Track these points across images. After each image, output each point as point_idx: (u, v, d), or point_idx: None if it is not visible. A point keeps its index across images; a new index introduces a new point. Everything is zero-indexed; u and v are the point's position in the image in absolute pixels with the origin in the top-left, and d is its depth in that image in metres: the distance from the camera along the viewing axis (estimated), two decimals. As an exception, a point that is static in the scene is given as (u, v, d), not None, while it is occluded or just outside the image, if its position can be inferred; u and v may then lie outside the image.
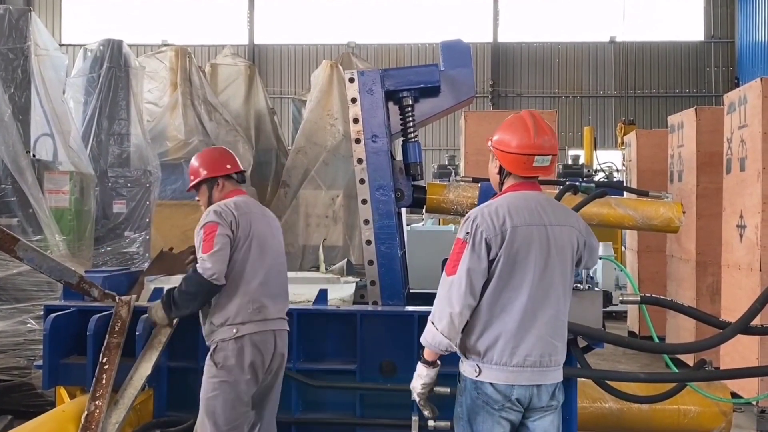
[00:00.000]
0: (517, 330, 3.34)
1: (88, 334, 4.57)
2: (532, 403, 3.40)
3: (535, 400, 3.39)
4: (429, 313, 4.75)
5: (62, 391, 4.82)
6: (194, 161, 4.69)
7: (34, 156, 7.36)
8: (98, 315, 4.67)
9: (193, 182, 4.63)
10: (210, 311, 4.24)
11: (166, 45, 17.49)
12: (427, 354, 3.45)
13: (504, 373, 3.35)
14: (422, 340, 3.44)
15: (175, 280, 5.81)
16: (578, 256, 3.54)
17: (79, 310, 4.87)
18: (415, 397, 3.54)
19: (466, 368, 3.44)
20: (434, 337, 3.36)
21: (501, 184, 3.59)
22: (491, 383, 3.36)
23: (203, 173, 4.56)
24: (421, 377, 3.50)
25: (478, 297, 3.35)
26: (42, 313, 5.04)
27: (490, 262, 3.34)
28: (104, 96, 8.52)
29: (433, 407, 3.59)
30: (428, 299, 5.34)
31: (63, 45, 23.52)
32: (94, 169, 8.11)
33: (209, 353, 4.21)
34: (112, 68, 8.59)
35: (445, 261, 5.60)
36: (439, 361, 3.48)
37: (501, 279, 3.34)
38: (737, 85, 20.54)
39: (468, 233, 3.36)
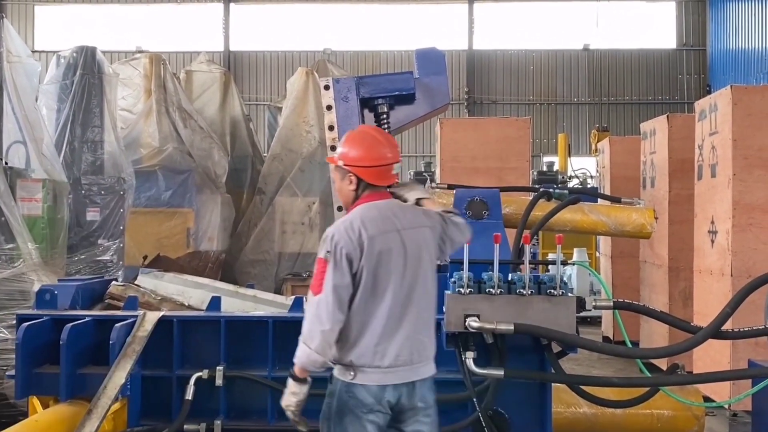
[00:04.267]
0: (386, 333, 3.47)
1: (61, 343, 4.53)
2: (402, 404, 3.50)
3: (405, 400, 3.50)
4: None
5: (35, 401, 4.77)
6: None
7: (6, 164, 7.29)
8: (71, 324, 4.63)
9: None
10: None
11: (140, 52, 17.40)
12: (300, 372, 3.51)
13: (377, 374, 3.47)
14: (296, 360, 3.50)
15: (169, 277, 5.79)
16: (438, 249, 3.71)
17: (52, 319, 4.82)
18: (290, 414, 3.55)
19: (340, 372, 3.53)
20: (308, 356, 3.44)
21: (356, 199, 3.65)
22: (364, 385, 3.46)
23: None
24: (295, 395, 3.53)
25: (346, 311, 3.45)
26: (14, 322, 4.98)
27: (354, 275, 3.45)
28: (77, 103, 8.46)
29: (305, 420, 3.60)
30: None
31: (36, 52, 23.28)
32: (67, 176, 8.05)
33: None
34: (86, 75, 8.54)
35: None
36: (309, 378, 3.55)
37: (366, 289, 3.46)
38: (709, 92, 20.82)
39: (329, 252, 3.45)
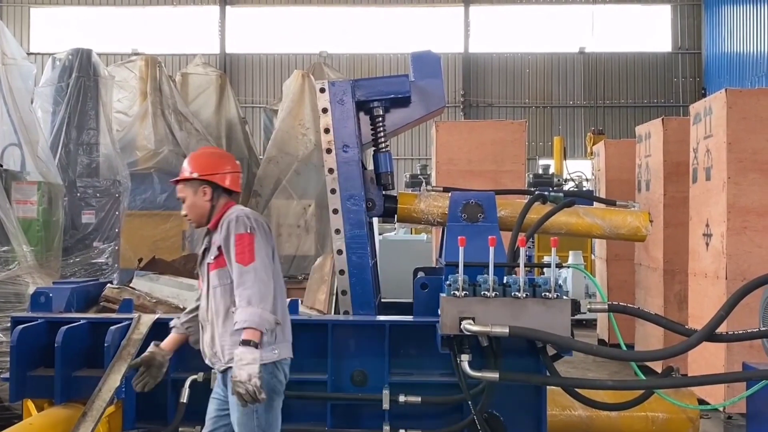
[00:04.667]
0: (286, 310, 3.93)
1: (56, 346, 4.52)
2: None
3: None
4: (401, 322, 4.82)
5: (29, 404, 4.75)
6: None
7: (1, 166, 7.28)
8: (66, 327, 4.62)
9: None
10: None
11: (136, 54, 17.38)
12: (254, 335, 3.57)
13: (288, 346, 3.89)
14: (248, 323, 3.56)
15: (164, 280, 5.77)
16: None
17: (47, 322, 4.81)
18: (255, 384, 3.50)
19: (266, 355, 3.67)
20: (261, 316, 3.58)
21: (212, 209, 3.94)
22: (284, 360, 3.81)
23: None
24: (256, 361, 3.54)
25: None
26: (9, 324, 4.97)
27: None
28: (73, 105, 8.45)
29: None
30: (400, 308, 5.40)
31: (31, 54, 23.26)
32: (62, 179, 8.03)
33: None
34: (81, 77, 8.52)
35: (417, 270, 5.68)
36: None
37: (274, 263, 3.83)
38: (704, 96, 20.87)
39: (251, 226, 3.74)
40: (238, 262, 3.67)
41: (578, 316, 4.14)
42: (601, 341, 10.66)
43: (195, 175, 3.93)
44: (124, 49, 24.18)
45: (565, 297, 3.99)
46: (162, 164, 10.24)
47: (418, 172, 18.30)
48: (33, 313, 4.97)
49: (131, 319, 4.83)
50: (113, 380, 4.36)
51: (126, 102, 10.73)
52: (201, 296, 3.98)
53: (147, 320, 4.73)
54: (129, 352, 4.50)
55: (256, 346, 3.55)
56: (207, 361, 3.91)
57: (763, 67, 21.23)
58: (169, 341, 4.14)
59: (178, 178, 4.02)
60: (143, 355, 4.07)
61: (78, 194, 8.39)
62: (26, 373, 4.65)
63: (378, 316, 5.02)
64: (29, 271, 6.97)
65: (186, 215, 4.04)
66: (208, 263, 3.88)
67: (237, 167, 4.06)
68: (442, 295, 4.06)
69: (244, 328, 3.56)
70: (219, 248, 3.81)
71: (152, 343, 4.14)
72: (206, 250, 3.94)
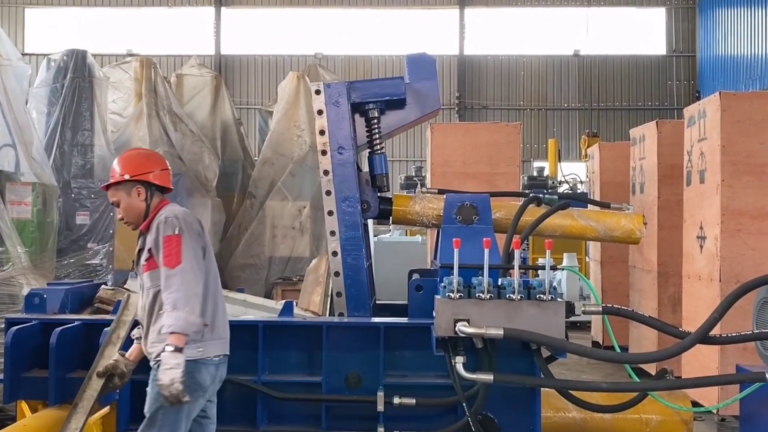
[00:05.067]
0: (222, 305, 3.95)
1: (50, 347, 4.51)
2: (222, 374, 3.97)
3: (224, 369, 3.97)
4: (396, 324, 4.83)
5: (23, 405, 4.75)
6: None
7: (-5, 167, 7.27)
8: (60, 328, 4.61)
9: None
10: None
11: (131, 55, 17.39)
12: (179, 340, 3.60)
13: (221, 343, 3.88)
14: (173, 328, 3.60)
15: None
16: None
17: (41, 323, 4.80)
18: (177, 388, 3.56)
19: (188, 352, 3.68)
20: (186, 320, 3.60)
21: (147, 209, 3.98)
22: (207, 362, 3.78)
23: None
24: (179, 366, 3.59)
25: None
26: (3, 326, 4.96)
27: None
28: (68, 106, 8.45)
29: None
30: (395, 310, 5.40)
31: (26, 54, 23.20)
32: (57, 180, 8.03)
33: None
34: (76, 78, 8.53)
35: (411, 272, 5.69)
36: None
37: (205, 261, 3.86)
38: (698, 99, 20.92)
39: (179, 228, 3.77)
40: (165, 265, 3.70)
41: (572, 319, 4.15)
42: (595, 343, 10.68)
43: (126, 177, 3.95)
44: (119, 50, 24.15)
45: (559, 299, 4.00)
46: (157, 165, 10.21)
47: (413, 174, 18.35)
48: (27, 314, 4.97)
49: (126, 320, 4.82)
50: (103, 366, 4.31)
51: (121, 103, 10.72)
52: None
53: (135, 301, 4.68)
54: (119, 336, 4.48)
55: (180, 350, 3.60)
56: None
57: (758, 70, 21.30)
58: (133, 351, 4.14)
59: (109, 182, 4.03)
60: (108, 363, 4.05)
61: (72, 195, 8.38)
62: (20, 375, 4.64)
63: (373, 318, 5.03)
64: (23, 272, 6.96)
65: (122, 218, 4.07)
66: (142, 264, 3.92)
67: (165, 165, 4.13)
68: (437, 296, 4.07)
69: (170, 333, 3.60)
70: (150, 250, 3.85)
71: (118, 352, 4.16)
72: (140, 251, 3.98)
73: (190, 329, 3.64)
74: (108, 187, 4.03)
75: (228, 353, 3.96)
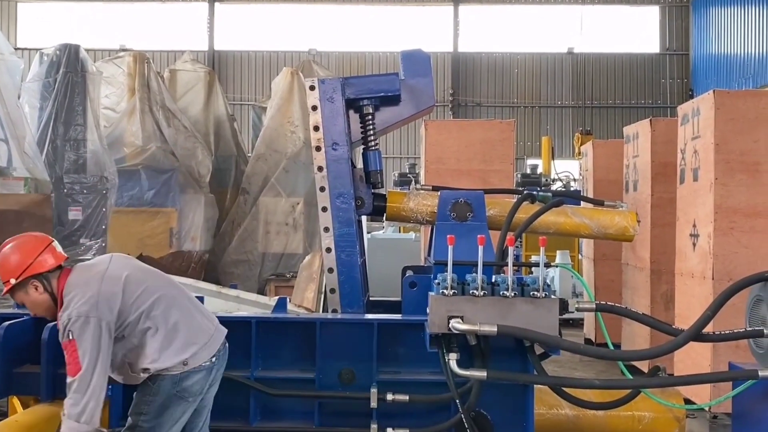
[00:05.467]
0: (191, 318, 3.84)
1: (42, 343, 4.49)
2: (218, 375, 3.94)
3: (220, 369, 3.93)
4: (390, 321, 4.82)
5: (15, 401, 4.73)
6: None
7: (-13, 161, 7.24)
8: (53, 323, 4.58)
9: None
10: None
11: (124, 50, 17.30)
12: None
13: (204, 351, 3.80)
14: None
15: None
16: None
17: (33, 319, 4.78)
18: None
19: (172, 371, 3.72)
20: (78, 430, 3.55)
21: (53, 297, 3.76)
22: (195, 370, 3.75)
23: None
24: None
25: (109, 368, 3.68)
26: (-6, 321, 4.93)
27: (118, 320, 3.67)
28: (60, 101, 8.42)
29: None
30: (389, 307, 5.40)
31: (18, 49, 23.08)
32: (49, 175, 7.99)
33: None
34: (69, 73, 8.49)
35: (405, 269, 5.68)
36: None
37: (146, 315, 3.71)
38: (692, 97, 20.98)
39: (69, 330, 3.59)
40: (67, 373, 3.63)
41: (565, 316, 4.15)
42: (587, 341, 10.69)
43: (13, 281, 3.72)
44: (112, 45, 24.07)
45: (553, 296, 4.00)
46: (150, 161, 10.21)
47: (407, 171, 18.34)
48: (19, 309, 4.94)
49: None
50: None
51: (114, 98, 10.70)
52: None
53: None
54: None
55: None
56: None
57: (751, 68, 21.37)
58: None
59: (4, 291, 3.87)
60: None
61: (65, 190, 8.35)
62: (12, 371, 4.62)
63: (366, 315, 5.02)
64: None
65: (36, 315, 3.99)
66: None
67: (45, 242, 3.81)
68: (431, 293, 4.06)
69: None
70: None
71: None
72: None
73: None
74: (6, 293, 3.86)
75: (215, 353, 3.86)
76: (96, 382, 3.59)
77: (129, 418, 3.82)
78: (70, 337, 3.59)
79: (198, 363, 3.78)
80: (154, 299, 3.77)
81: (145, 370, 3.75)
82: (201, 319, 3.91)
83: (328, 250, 5.03)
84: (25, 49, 24.02)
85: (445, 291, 3.98)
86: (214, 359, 3.86)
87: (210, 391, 3.95)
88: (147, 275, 3.92)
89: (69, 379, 3.60)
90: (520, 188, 10.76)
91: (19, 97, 8.16)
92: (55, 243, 3.87)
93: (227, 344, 4.02)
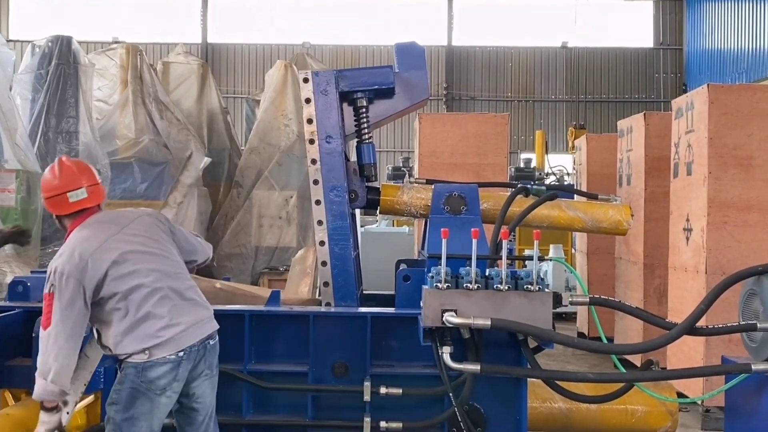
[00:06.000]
0: (163, 310, 3.75)
1: (33, 335, 4.47)
2: (194, 371, 3.83)
3: (196, 366, 3.84)
4: (383, 314, 4.82)
5: (6, 394, 4.71)
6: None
7: (-22, 154, 7.20)
8: (44, 316, 4.57)
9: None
10: None
11: (117, 42, 17.25)
12: (47, 403, 3.74)
13: (171, 344, 3.72)
14: (35, 396, 3.72)
15: None
16: (171, 229, 4.10)
17: (24, 311, 4.76)
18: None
19: (134, 359, 3.72)
20: (44, 388, 3.65)
21: (65, 227, 3.92)
22: (159, 362, 3.69)
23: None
24: (47, 423, 3.76)
25: (83, 332, 3.70)
26: (-14, 314, 4.91)
27: (94, 294, 3.68)
28: (52, 93, 8.38)
29: None
30: (382, 300, 5.39)
31: (10, 41, 22.98)
32: (41, 167, 7.95)
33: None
34: (61, 65, 8.45)
35: (399, 262, 5.68)
36: (60, 404, 3.79)
37: (121, 297, 3.70)
38: (685, 91, 20.99)
39: (51, 284, 3.65)
40: (40, 325, 3.71)
41: (558, 309, 4.15)
42: (581, 334, 10.72)
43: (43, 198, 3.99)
44: (104, 36, 23.98)
45: (546, 290, 4.00)
46: (142, 153, 10.17)
47: (401, 165, 18.31)
48: (10, 302, 4.92)
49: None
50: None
51: (106, 90, 10.64)
52: None
53: None
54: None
55: (47, 410, 3.74)
56: None
57: (744, 63, 21.41)
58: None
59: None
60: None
61: (57, 183, 8.29)
62: (3, 363, 4.59)
63: (360, 308, 5.01)
64: (7, 260, 6.91)
65: None
66: None
67: (75, 181, 3.86)
68: (425, 287, 4.05)
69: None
70: None
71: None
72: None
73: (46, 396, 3.70)
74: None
75: (183, 348, 3.76)
76: (64, 344, 3.63)
77: (106, 411, 3.84)
78: (50, 291, 3.65)
79: (161, 355, 3.71)
80: (135, 285, 3.74)
81: (107, 348, 3.80)
82: (180, 316, 3.82)
83: (322, 243, 5.01)
84: (17, 41, 23.89)
85: (438, 284, 3.97)
86: (181, 354, 3.76)
87: (191, 390, 3.89)
88: (147, 259, 3.84)
89: (41, 333, 3.67)
90: (514, 182, 10.76)
91: (10, 89, 8.12)
92: (82, 191, 3.86)
93: (211, 345, 3.95)
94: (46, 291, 3.67)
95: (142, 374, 3.70)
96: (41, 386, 3.65)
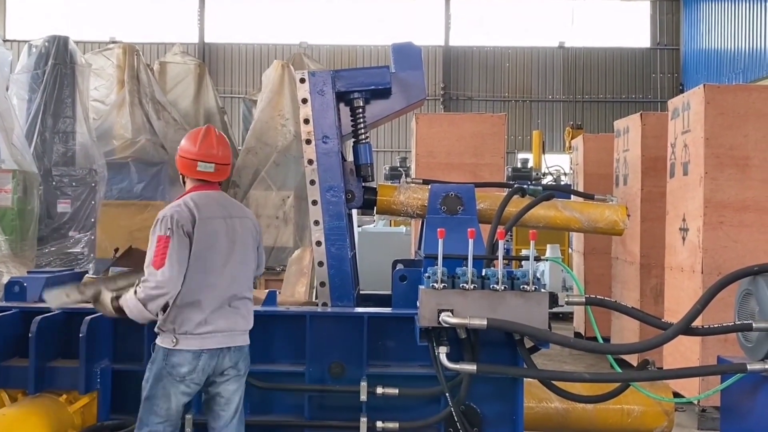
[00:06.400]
0: (209, 305, 3.95)
1: (30, 336, 4.47)
2: (217, 367, 3.99)
3: (219, 363, 3.99)
4: (380, 314, 4.82)
5: (3, 395, 4.70)
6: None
7: (-25, 154, 7.19)
8: (40, 317, 4.57)
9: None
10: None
11: (113, 42, 17.20)
12: (118, 311, 3.98)
13: (196, 340, 3.91)
14: (125, 307, 3.91)
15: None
16: (258, 241, 4.29)
17: (21, 312, 4.76)
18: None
19: (163, 340, 3.95)
20: (141, 312, 3.86)
21: (184, 185, 4.26)
22: (183, 350, 3.90)
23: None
24: (75, 303, 4.21)
25: (181, 281, 3.90)
26: (-18, 314, 4.90)
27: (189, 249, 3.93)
28: (49, 93, 8.36)
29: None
30: (379, 300, 5.39)
31: (7, 41, 22.94)
32: (38, 167, 7.95)
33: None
34: (58, 65, 8.44)
35: (395, 262, 5.68)
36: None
37: (196, 262, 3.93)
38: (682, 92, 21.01)
39: (169, 228, 3.89)
40: (151, 264, 3.94)
41: (555, 309, 4.16)
42: (577, 334, 10.73)
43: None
44: (101, 36, 23.92)
45: (543, 290, 4.00)
46: (139, 153, 10.16)
47: (398, 165, 18.32)
48: (7, 302, 4.92)
49: (107, 309, 4.79)
50: None
51: (103, 90, 10.64)
52: None
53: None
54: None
55: (118, 311, 3.98)
56: None
57: (741, 63, 21.43)
58: None
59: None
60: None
61: (54, 183, 8.30)
62: (0, 364, 4.59)
63: (356, 308, 5.02)
64: (3, 260, 6.90)
65: None
66: None
67: (208, 155, 4.15)
68: (421, 287, 4.06)
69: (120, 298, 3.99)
70: None
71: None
72: None
73: (138, 318, 3.92)
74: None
75: (207, 349, 3.95)
76: (177, 275, 3.85)
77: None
78: (167, 234, 3.88)
79: (185, 347, 3.91)
80: (204, 273, 3.96)
81: (157, 315, 3.97)
82: (217, 320, 4.00)
83: (319, 243, 5.01)
84: (14, 41, 23.86)
85: (435, 284, 3.97)
86: (203, 351, 3.93)
87: (216, 388, 4.06)
88: (227, 260, 4.07)
89: (149, 270, 3.84)
90: (511, 182, 10.77)
91: (7, 89, 8.10)
92: (211, 166, 4.16)
93: (237, 347, 4.07)
94: (161, 233, 3.88)
95: (168, 359, 3.91)
96: (138, 309, 3.84)
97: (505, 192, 5.45)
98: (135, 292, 3.87)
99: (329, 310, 4.97)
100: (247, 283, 4.17)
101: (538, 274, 4.05)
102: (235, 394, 4.10)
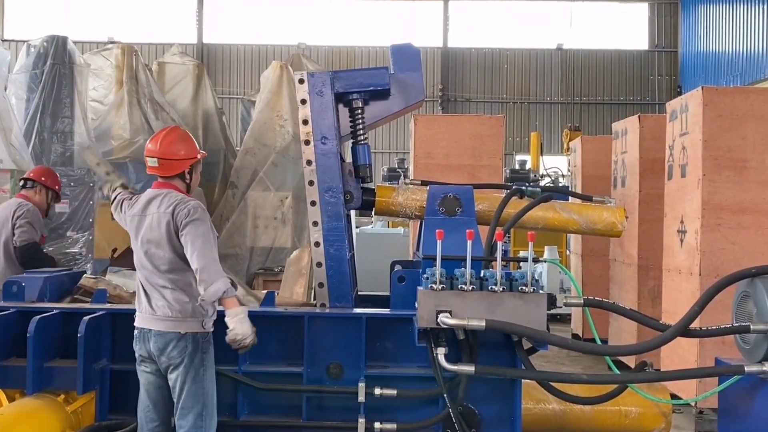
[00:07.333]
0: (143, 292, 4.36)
1: (28, 335, 4.46)
2: (150, 351, 4.25)
3: (145, 345, 4.27)
4: (378, 315, 4.82)
5: (1, 395, 4.69)
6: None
7: (-27, 153, 7.18)
8: (39, 316, 4.57)
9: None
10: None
11: (112, 42, 17.22)
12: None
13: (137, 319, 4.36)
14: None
15: None
16: (174, 233, 4.34)
17: (19, 312, 4.75)
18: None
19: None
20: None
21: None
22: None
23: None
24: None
25: None
26: (-20, 314, 4.89)
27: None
28: (47, 93, 8.34)
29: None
30: (377, 301, 5.40)
31: (5, 40, 22.95)
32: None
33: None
34: (56, 65, 8.42)
35: (394, 263, 5.68)
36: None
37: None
38: (680, 94, 21.06)
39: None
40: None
41: (553, 311, 4.17)
42: (575, 336, 10.74)
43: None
44: (100, 37, 23.92)
45: (541, 291, 4.01)
46: (137, 154, 10.12)
47: (396, 166, 18.33)
48: (5, 302, 4.92)
49: (104, 309, 4.80)
50: None
51: (101, 90, 10.60)
52: None
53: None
54: None
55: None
56: None
57: (739, 66, 21.47)
58: None
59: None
60: None
61: (52, 183, 8.27)
62: (-3, 363, 4.59)
63: (355, 309, 5.02)
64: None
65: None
66: None
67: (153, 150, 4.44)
68: (420, 288, 4.06)
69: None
70: None
71: None
72: None
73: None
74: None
75: (138, 327, 4.34)
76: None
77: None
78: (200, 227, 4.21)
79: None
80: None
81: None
82: (141, 302, 4.35)
83: (317, 244, 5.02)
84: (12, 40, 23.84)
85: (433, 285, 3.98)
86: (135, 332, 4.33)
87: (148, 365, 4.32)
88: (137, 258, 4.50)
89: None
90: (509, 183, 10.78)
91: (5, 89, 8.09)
92: (151, 161, 4.50)
93: (158, 346, 4.25)
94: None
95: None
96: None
97: (503, 193, 5.46)
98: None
99: (327, 311, 4.97)
100: (156, 272, 4.31)
101: (536, 276, 4.06)
102: (176, 385, 4.22)
